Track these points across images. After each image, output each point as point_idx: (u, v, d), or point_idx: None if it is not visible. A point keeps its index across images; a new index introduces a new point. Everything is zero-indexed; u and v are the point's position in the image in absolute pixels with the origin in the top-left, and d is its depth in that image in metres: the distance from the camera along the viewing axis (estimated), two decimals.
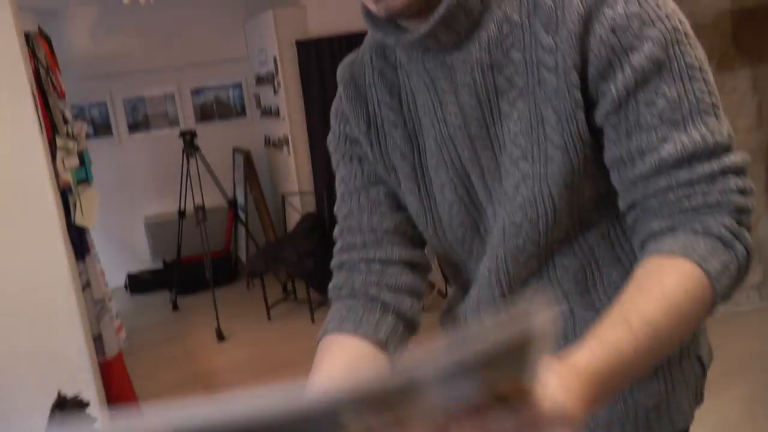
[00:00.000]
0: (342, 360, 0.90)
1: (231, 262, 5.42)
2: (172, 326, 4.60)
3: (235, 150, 5.48)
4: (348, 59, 1.00)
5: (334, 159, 1.01)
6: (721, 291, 0.75)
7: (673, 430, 0.94)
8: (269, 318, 4.45)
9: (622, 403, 0.92)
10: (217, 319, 4.21)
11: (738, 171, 0.80)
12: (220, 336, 4.20)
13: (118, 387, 2.84)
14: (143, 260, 5.49)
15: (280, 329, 4.27)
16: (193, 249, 4.80)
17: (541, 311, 0.50)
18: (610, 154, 0.83)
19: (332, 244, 1.02)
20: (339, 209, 0.99)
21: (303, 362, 0.93)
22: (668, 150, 0.79)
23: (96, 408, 2.40)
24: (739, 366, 3.04)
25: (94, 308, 2.71)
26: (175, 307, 4.87)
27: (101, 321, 2.75)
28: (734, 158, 0.80)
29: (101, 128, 5.43)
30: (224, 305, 4.40)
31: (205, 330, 4.29)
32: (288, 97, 4.86)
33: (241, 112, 5.75)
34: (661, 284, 0.74)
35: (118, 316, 2.96)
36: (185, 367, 3.88)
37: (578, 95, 0.82)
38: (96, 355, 2.63)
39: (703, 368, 0.96)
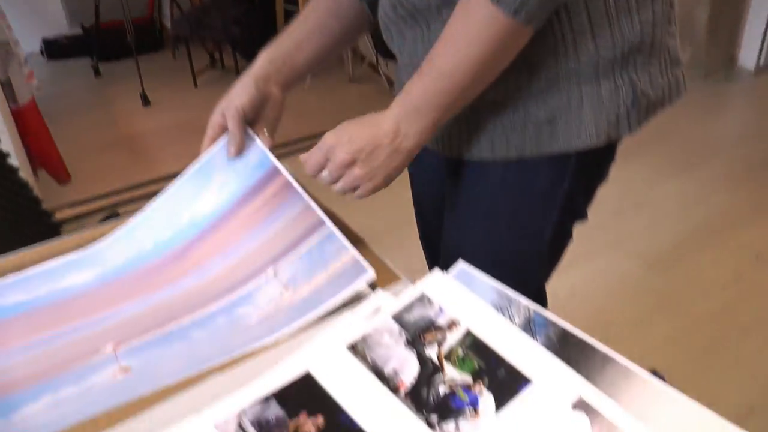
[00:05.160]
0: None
1: (155, 30, 5.17)
2: (95, 92, 4.47)
3: None
4: None
5: None
6: (512, 8, 0.75)
7: (569, 147, 0.91)
8: (196, 85, 4.37)
9: (512, 113, 0.90)
10: (142, 85, 4.11)
11: None
12: (146, 101, 4.12)
13: (36, 139, 2.80)
14: (59, 25, 5.18)
15: (207, 96, 4.19)
16: (113, 14, 4.54)
17: None
18: None
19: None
20: None
21: None
22: None
23: (15, 158, 2.38)
24: (655, 137, 3.21)
25: None
26: (97, 73, 4.70)
27: (8, 67, 2.61)
28: None
29: None
30: (149, 73, 4.28)
31: (130, 96, 4.20)
32: None
33: None
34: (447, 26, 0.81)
35: (28, 64, 2.82)
36: (110, 131, 3.83)
37: None
38: (7, 101, 2.56)
39: (635, 95, 0.89)
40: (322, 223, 0.85)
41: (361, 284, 0.77)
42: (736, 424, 0.59)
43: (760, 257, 2.48)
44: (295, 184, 0.90)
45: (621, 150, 0.99)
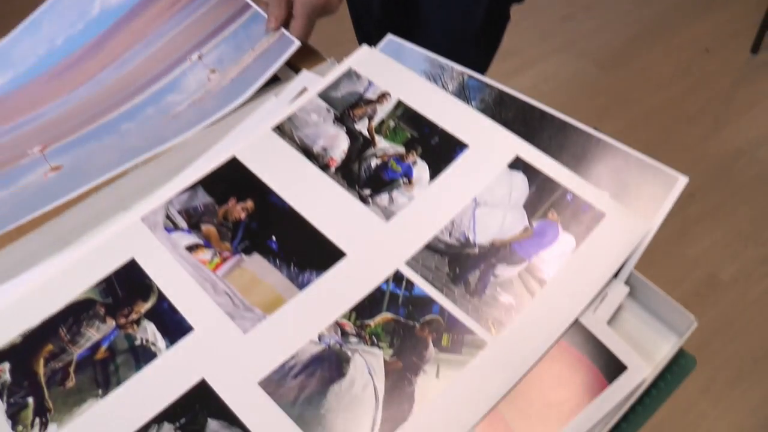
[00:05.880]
0: None
1: None
2: None
3: None
4: None
5: None
6: None
7: None
8: None
9: None
10: None
11: None
12: None
13: None
14: None
15: None
16: None
17: None
18: None
19: None
20: None
21: None
22: None
23: None
24: None
25: None
26: None
27: None
28: None
29: None
30: None
31: None
32: None
33: None
34: None
35: None
36: None
37: None
38: None
39: None
40: (248, 7, 0.79)
41: (288, 56, 0.72)
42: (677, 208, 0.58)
43: (710, 50, 2.45)
44: None
45: None
